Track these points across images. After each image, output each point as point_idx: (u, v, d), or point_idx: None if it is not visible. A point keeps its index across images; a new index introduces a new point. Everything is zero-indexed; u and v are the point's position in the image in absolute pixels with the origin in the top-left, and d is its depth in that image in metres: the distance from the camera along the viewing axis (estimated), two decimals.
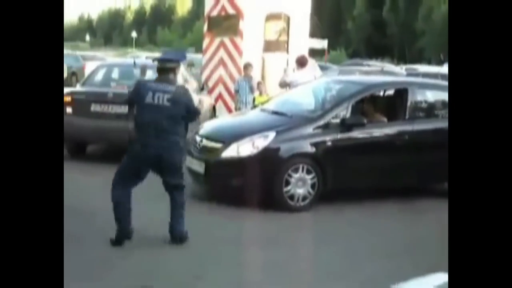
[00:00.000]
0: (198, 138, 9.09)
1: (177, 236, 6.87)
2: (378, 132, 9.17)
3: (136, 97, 6.78)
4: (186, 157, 8.32)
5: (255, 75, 15.18)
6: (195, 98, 13.15)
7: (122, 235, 6.71)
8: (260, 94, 13.99)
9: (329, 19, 60.16)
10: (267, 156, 8.42)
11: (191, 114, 6.93)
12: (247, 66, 14.51)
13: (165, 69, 6.82)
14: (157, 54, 41.72)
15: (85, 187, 9.04)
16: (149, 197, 7.90)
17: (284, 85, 13.05)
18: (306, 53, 16.09)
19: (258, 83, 14.57)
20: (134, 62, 12.64)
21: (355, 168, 8.80)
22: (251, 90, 14.23)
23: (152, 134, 6.63)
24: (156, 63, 6.98)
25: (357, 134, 8.86)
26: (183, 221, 6.95)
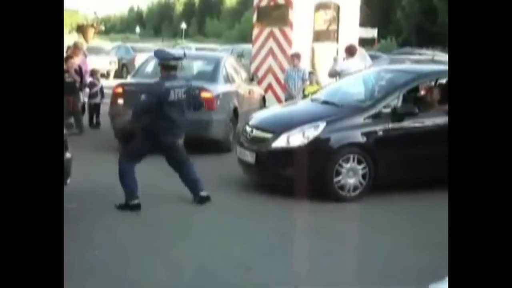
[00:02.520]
0: (248, 129, 9.09)
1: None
2: (430, 121, 9.02)
3: (161, 98, 7.59)
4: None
5: (305, 65, 15.11)
6: (245, 88, 13.21)
7: (131, 204, 7.57)
8: (311, 84, 13.91)
9: (379, 7, 59.43)
10: (318, 146, 8.39)
11: (198, 104, 8.36)
12: (295, 57, 14.45)
13: (173, 66, 7.82)
14: (206, 45, 41.95)
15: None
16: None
17: (334, 74, 12.96)
18: (355, 42, 15.94)
19: (310, 73, 14.49)
20: (184, 53, 12.69)
21: (407, 158, 8.69)
22: (301, 80, 14.17)
23: (173, 124, 7.73)
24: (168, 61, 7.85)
25: (409, 123, 8.75)
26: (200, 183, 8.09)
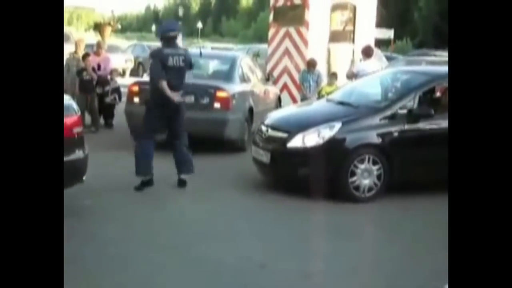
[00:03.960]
0: (263, 128, 9.10)
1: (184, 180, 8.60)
2: (446, 123, 8.96)
3: (160, 63, 8.33)
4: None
5: (321, 65, 15.11)
6: (261, 88, 13.23)
7: (146, 182, 8.32)
8: (330, 85, 13.88)
9: (395, 8, 59.21)
10: (333, 146, 8.38)
11: (192, 68, 8.87)
12: (311, 63, 14.47)
13: (172, 37, 8.55)
14: (222, 45, 41.95)
15: None
16: None
17: (351, 76, 12.94)
18: (372, 43, 15.93)
19: (332, 74, 14.50)
20: (200, 52, 12.74)
21: (422, 159, 8.67)
22: (316, 83, 14.19)
23: (174, 88, 8.31)
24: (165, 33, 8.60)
25: (425, 125, 8.73)
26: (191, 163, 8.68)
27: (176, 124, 8.59)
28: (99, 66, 13.58)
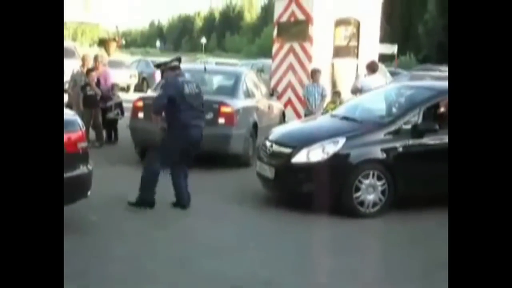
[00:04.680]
0: (268, 143, 9.10)
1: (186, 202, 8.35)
2: None
3: (179, 90, 8.08)
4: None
5: (325, 81, 15.13)
6: (265, 103, 13.24)
7: (145, 203, 8.07)
8: (334, 103, 13.88)
9: (399, 24, 59.33)
10: (337, 162, 8.37)
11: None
12: (315, 72, 14.46)
13: (176, 66, 8.36)
14: (226, 60, 42.04)
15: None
16: None
17: (355, 91, 12.94)
18: (376, 58, 15.96)
19: (335, 92, 14.52)
20: (205, 68, 12.77)
21: (427, 175, 8.65)
22: (321, 96, 14.18)
23: (197, 115, 8.27)
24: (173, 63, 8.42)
25: (429, 140, 8.72)
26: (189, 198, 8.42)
27: (191, 159, 8.49)
28: (98, 81, 13.56)
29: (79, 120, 7.07)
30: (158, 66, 8.76)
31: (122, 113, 14.04)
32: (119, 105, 14.12)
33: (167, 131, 8.37)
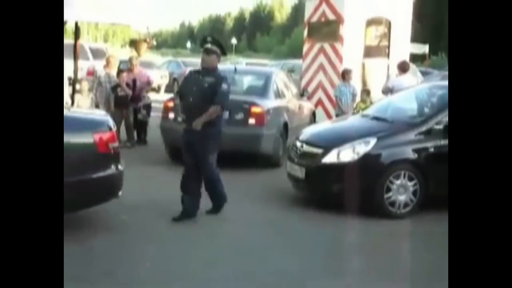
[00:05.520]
0: (298, 144, 9.08)
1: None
2: None
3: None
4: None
5: (355, 81, 15.08)
6: (295, 103, 13.23)
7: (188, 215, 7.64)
8: (364, 102, 13.82)
9: (431, 23, 58.97)
10: (368, 162, 8.33)
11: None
12: (347, 72, 14.41)
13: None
14: (256, 60, 42.06)
15: None
16: None
17: (386, 91, 12.87)
18: (407, 58, 15.85)
19: (364, 91, 14.45)
20: (235, 68, 12.78)
21: None
22: (352, 95, 14.12)
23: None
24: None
25: None
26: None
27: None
28: (134, 82, 13.65)
29: (110, 121, 7.11)
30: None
31: (149, 114, 14.09)
32: (148, 106, 14.16)
33: (213, 131, 7.71)
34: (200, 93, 7.58)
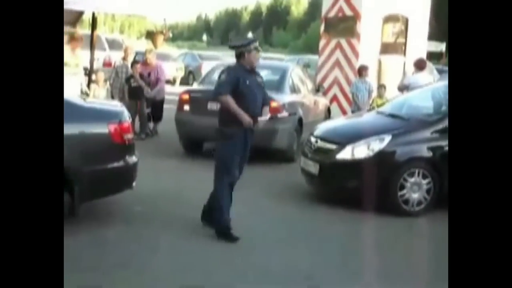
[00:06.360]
0: (313, 139, 9.07)
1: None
2: None
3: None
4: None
5: (371, 77, 15.03)
6: (311, 98, 13.21)
7: (225, 227, 6.88)
8: (380, 97, 13.79)
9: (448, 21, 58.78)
10: (383, 159, 8.31)
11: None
12: (363, 68, 14.36)
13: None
14: (272, 55, 42.01)
15: (200, 183, 9.18)
16: None
17: (402, 88, 12.82)
18: (423, 56, 15.79)
19: (381, 86, 14.40)
20: None
21: None
22: (368, 92, 14.08)
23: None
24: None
25: None
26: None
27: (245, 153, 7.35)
28: (149, 74, 13.69)
29: (125, 111, 7.13)
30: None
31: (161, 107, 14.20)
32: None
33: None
34: (259, 92, 7.33)
